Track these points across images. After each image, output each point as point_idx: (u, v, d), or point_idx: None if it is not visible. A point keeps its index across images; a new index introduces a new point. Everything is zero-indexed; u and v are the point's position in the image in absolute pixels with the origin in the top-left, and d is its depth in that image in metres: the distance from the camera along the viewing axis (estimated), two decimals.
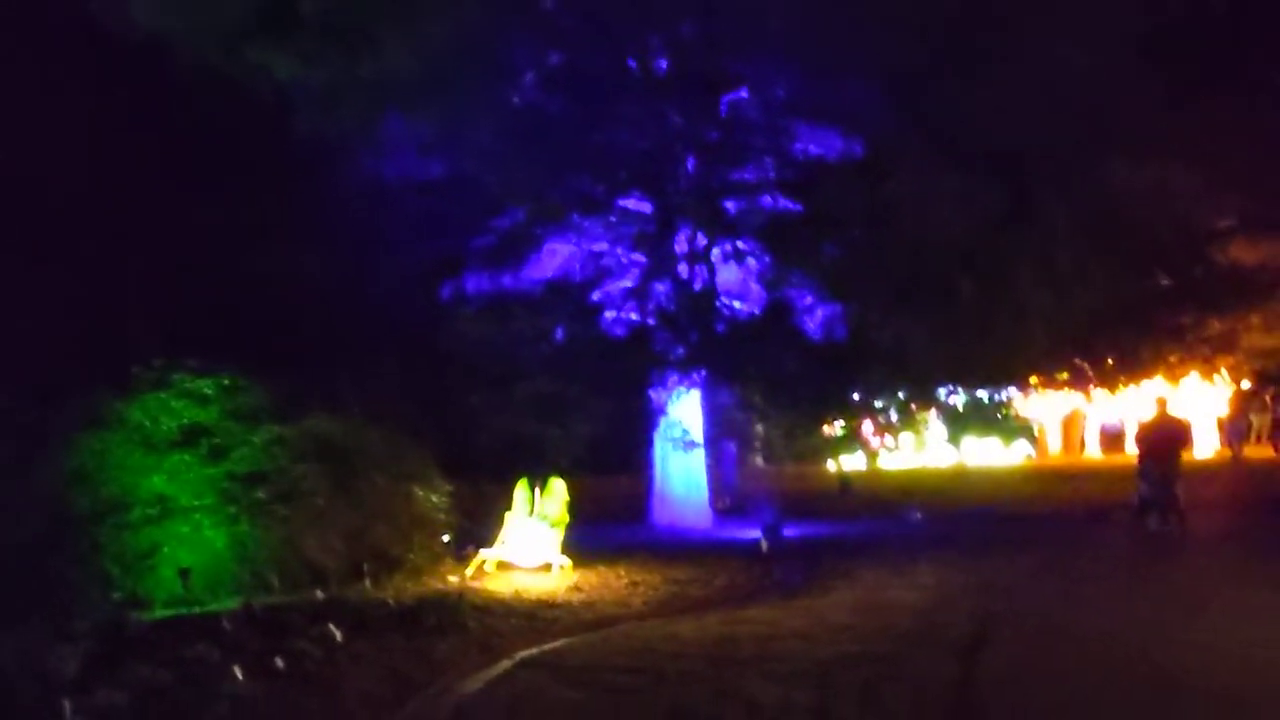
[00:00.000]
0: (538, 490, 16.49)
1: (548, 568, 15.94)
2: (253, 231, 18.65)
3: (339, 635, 11.08)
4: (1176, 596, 13.30)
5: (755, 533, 19.65)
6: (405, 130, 19.57)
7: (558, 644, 11.44)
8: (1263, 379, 41.46)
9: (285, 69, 18.09)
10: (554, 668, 10.19)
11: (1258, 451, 39.67)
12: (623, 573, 15.94)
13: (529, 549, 16.11)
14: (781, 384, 21.79)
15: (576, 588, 14.83)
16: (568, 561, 16.14)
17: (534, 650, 11.07)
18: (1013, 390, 40.83)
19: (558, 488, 16.56)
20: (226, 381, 15.15)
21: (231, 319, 17.68)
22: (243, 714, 8.80)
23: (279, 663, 10.04)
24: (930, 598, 13.61)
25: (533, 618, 12.78)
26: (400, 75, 18.17)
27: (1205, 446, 40.54)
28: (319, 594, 13.66)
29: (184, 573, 13.82)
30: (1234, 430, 38.81)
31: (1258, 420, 42.53)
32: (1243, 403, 41.02)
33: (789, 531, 20.04)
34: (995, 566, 16.21)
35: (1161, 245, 28.83)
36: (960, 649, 10.47)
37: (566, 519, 16.48)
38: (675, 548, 19.03)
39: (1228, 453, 36.07)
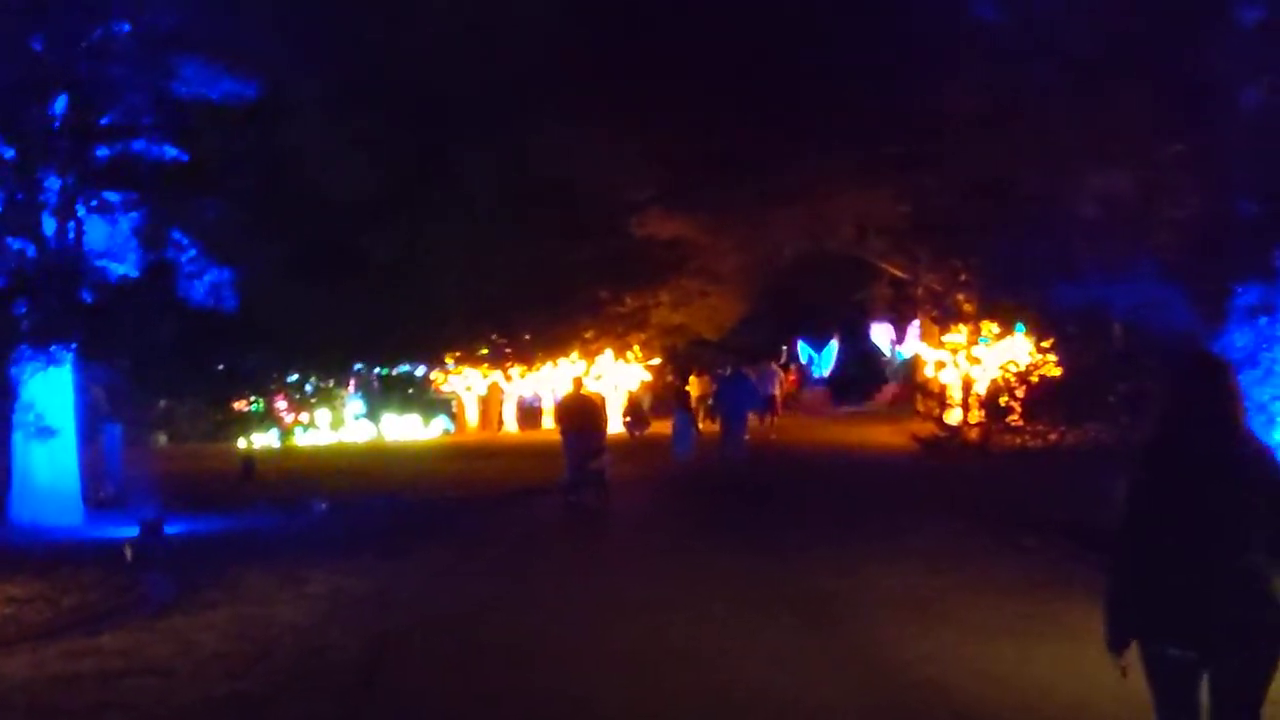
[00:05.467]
0: None
1: None
2: None
3: None
4: (606, 596, 12.01)
5: (135, 530, 16.92)
6: None
7: None
8: (672, 357, 42.70)
9: None
10: None
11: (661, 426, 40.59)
12: None
13: None
14: (159, 357, 18.87)
15: None
16: None
17: None
18: (431, 366, 39.71)
19: None
20: None
21: None
22: None
23: None
24: (322, 613, 11.62)
25: None
26: None
27: (620, 422, 41.14)
28: None
29: None
30: (637, 410, 39.54)
31: (651, 397, 43.65)
32: (654, 381, 42.02)
33: (173, 528, 17.41)
34: (403, 567, 14.37)
35: (582, 215, 28.44)
36: (346, 685, 8.66)
37: None
38: (30, 553, 15.80)
39: (639, 428, 36.59)
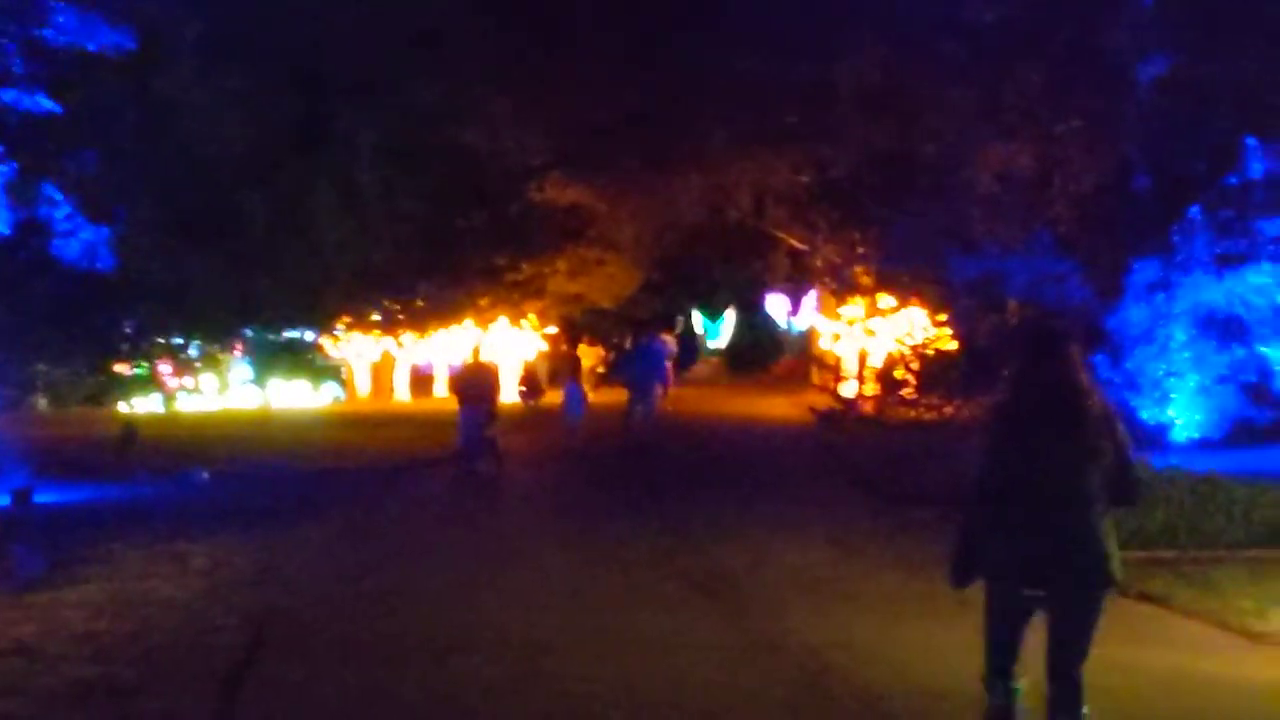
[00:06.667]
0: None
1: None
2: None
3: None
4: (503, 576, 11.57)
5: (3, 499, 16.13)
6: None
7: None
8: (568, 326, 42.27)
9: None
10: None
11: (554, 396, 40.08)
12: None
13: None
14: (32, 319, 17.99)
15: None
16: None
17: None
18: (320, 332, 38.73)
19: None
20: None
21: None
22: None
23: None
24: (203, 590, 11.05)
25: None
26: None
27: (515, 391, 40.64)
28: None
29: None
30: (533, 379, 39.01)
31: (548, 366, 43.20)
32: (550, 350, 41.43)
33: (44, 497, 16.61)
34: (289, 542, 13.73)
35: (477, 180, 27.90)
36: (226, 669, 8.16)
37: None
38: None
39: (534, 397, 36.09)
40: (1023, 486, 5.48)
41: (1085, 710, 5.61)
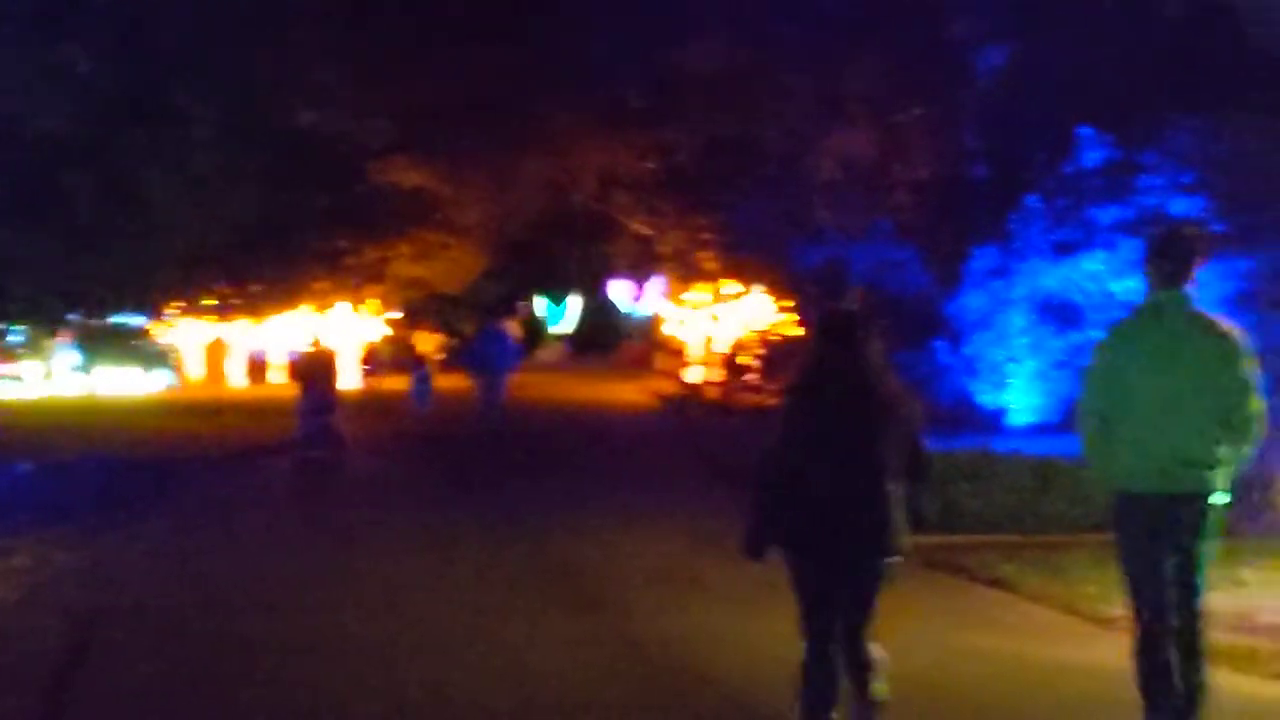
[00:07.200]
0: None
1: None
2: None
3: None
4: (345, 573, 11.16)
5: None
6: None
7: None
8: (410, 311, 41.64)
9: None
10: None
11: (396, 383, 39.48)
12: None
13: None
14: None
15: None
16: None
17: None
18: (151, 316, 37.51)
19: None
20: None
21: None
22: None
23: None
24: (25, 590, 10.48)
25: None
26: None
27: (355, 378, 39.89)
28: None
29: None
30: (378, 364, 38.39)
31: (390, 350, 42.56)
32: (391, 337, 40.76)
33: None
34: (119, 538, 13.11)
35: (318, 160, 27.15)
36: (50, 674, 7.69)
37: None
38: None
39: (376, 384, 35.44)
40: (815, 462, 5.76)
41: (879, 686, 5.90)
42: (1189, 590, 5.86)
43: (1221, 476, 5.78)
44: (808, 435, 5.83)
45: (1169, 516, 5.75)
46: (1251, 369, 5.78)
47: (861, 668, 5.92)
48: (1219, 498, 5.78)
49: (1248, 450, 5.85)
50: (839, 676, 5.92)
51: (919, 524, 5.99)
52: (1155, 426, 5.72)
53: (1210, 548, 5.88)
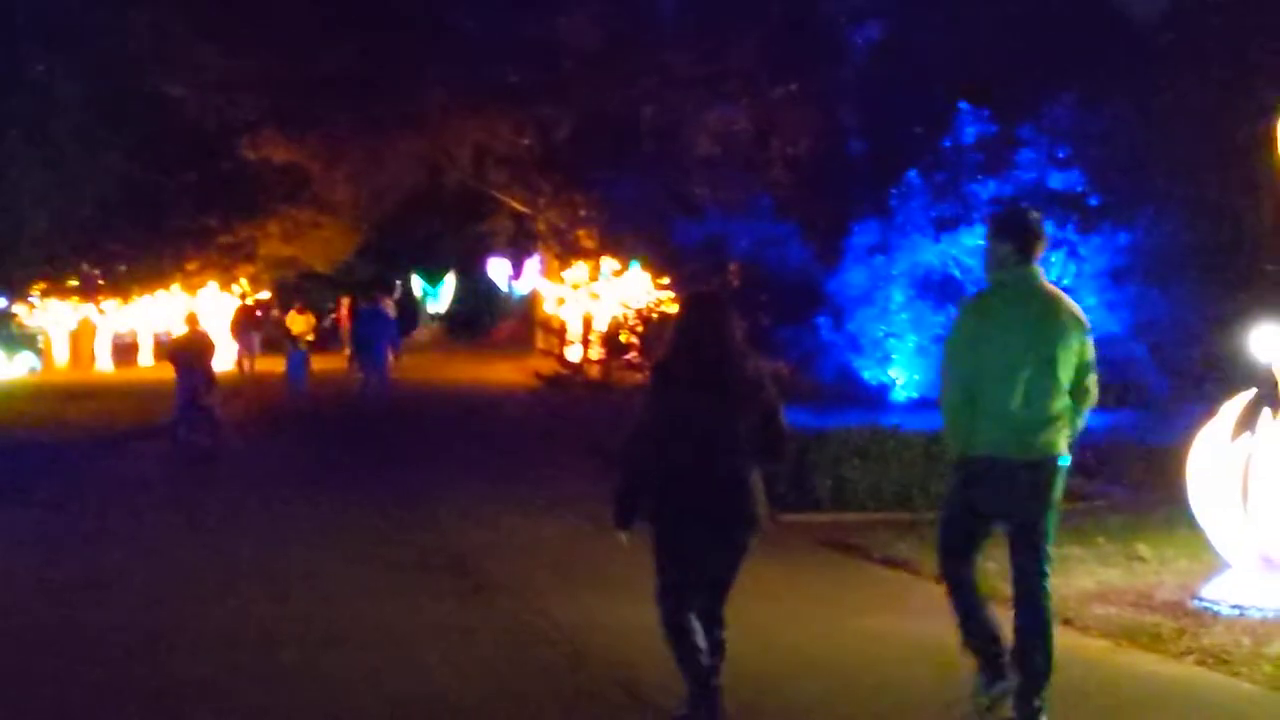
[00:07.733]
0: None
1: None
2: None
3: None
4: (225, 562, 10.71)
5: None
6: None
7: None
8: (280, 290, 40.79)
9: None
10: None
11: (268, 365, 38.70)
12: None
13: None
14: None
15: None
16: None
17: None
18: (13, 298, 36.12)
19: None
20: None
21: None
22: None
23: None
24: None
25: None
26: None
27: (227, 359, 38.93)
28: None
29: None
30: (246, 342, 37.46)
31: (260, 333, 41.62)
32: (247, 314, 39.79)
33: None
34: None
35: (186, 134, 26.31)
36: None
37: None
38: None
39: (242, 365, 34.54)
40: (677, 440, 5.96)
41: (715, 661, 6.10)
42: (1036, 560, 6.13)
43: (1064, 441, 6.11)
44: (671, 415, 6.03)
45: (1020, 479, 6.03)
46: (1091, 344, 6.16)
47: (714, 649, 6.10)
48: (1064, 460, 6.11)
49: (1084, 420, 6.25)
50: (700, 638, 6.03)
51: (777, 502, 6.44)
52: (1012, 395, 5.97)
53: (1055, 517, 6.21)
